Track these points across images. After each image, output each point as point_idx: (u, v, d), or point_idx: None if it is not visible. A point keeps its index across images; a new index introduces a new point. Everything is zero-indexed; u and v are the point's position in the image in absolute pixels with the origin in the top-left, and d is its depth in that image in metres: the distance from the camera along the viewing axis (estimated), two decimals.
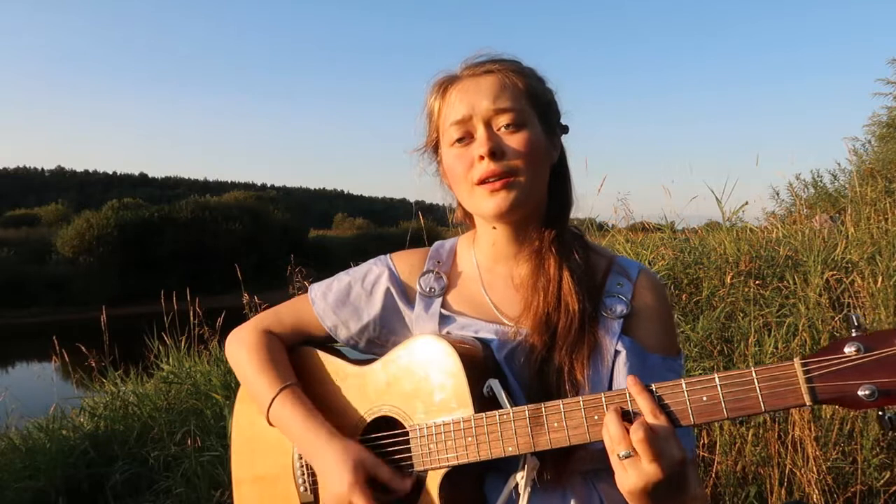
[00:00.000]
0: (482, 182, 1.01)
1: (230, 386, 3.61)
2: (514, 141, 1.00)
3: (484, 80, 1.03)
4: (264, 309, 1.30)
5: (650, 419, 0.81)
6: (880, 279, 3.01)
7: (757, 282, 3.23)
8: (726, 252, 3.62)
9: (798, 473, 2.42)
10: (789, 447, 2.47)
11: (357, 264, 1.24)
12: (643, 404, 0.82)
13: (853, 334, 0.75)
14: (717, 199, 3.96)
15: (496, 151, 1.00)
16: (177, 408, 3.73)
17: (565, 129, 1.12)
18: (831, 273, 3.15)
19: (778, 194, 8.21)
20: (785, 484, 2.43)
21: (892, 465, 2.49)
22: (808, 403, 0.75)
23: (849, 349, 0.74)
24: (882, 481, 2.42)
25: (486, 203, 1.02)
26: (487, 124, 1.01)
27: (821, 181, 7.87)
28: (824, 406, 2.26)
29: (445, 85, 1.07)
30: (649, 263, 3.60)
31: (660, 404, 0.83)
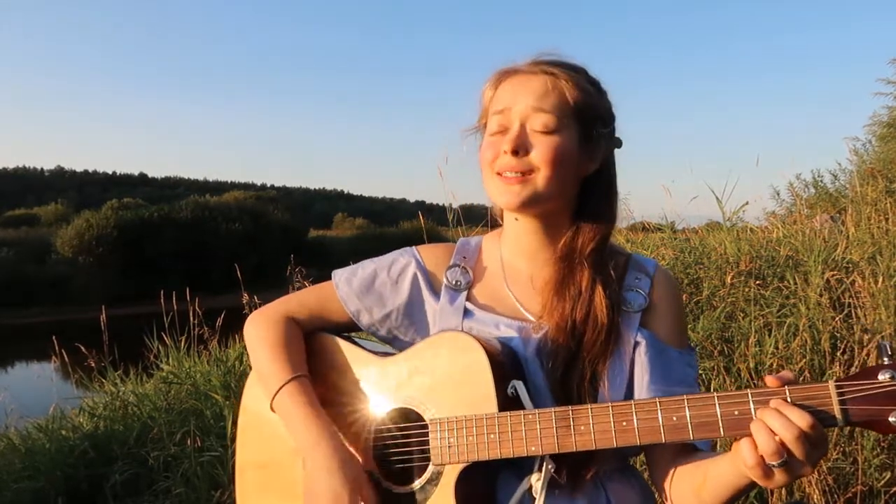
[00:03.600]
0: (501, 174, 1.05)
1: (230, 386, 3.61)
2: (542, 143, 1.02)
3: (535, 79, 1.05)
4: None
5: (803, 426, 0.78)
6: (881, 279, 3.00)
7: (757, 282, 3.23)
8: (726, 252, 3.62)
9: None
10: None
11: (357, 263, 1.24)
12: (793, 411, 0.79)
13: (885, 362, 0.78)
14: (717, 198, 3.96)
15: (519, 150, 1.02)
16: (176, 408, 3.72)
17: (617, 143, 1.13)
18: (832, 273, 3.15)
19: (778, 194, 8.19)
20: None
21: (893, 465, 2.48)
22: (839, 424, 0.78)
23: (882, 376, 0.77)
24: (883, 482, 2.42)
25: (499, 194, 1.06)
26: (522, 122, 1.04)
27: (821, 181, 7.86)
28: None
29: (502, 76, 1.10)
30: None
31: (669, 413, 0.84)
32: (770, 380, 0.82)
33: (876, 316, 2.94)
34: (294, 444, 1.10)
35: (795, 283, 3.14)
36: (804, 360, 2.78)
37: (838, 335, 2.93)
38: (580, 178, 1.08)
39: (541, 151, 1.02)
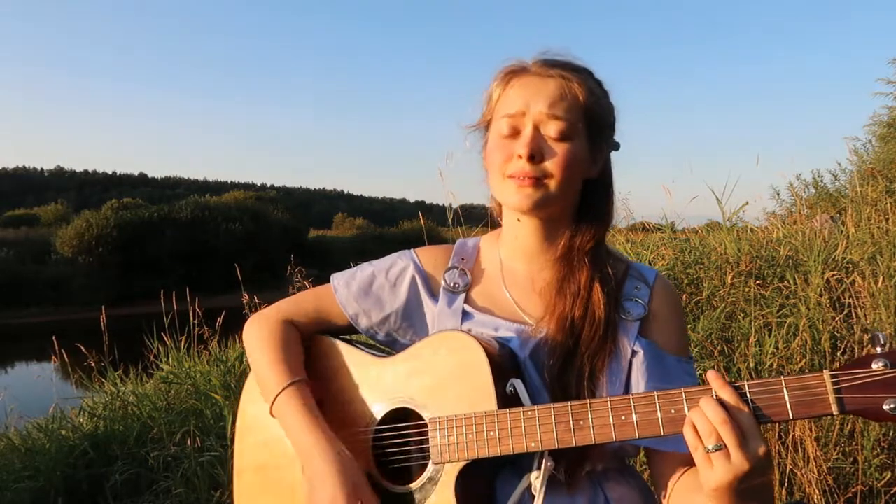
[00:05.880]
0: (513, 176, 1.04)
1: (230, 386, 3.61)
2: (556, 150, 1.03)
3: (548, 82, 1.05)
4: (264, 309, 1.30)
5: (737, 411, 0.82)
6: (881, 279, 3.00)
7: (757, 282, 3.23)
8: (727, 252, 3.62)
9: (798, 473, 2.41)
10: (790, 447, 2.47)
11: (357, 264, 1.24)
12: (728, 396, 0.82)
13: (879, 351, 0.79)
14: (717, 198, 3.96)
15: (535, 155, 1.02)
16: (176, 408, 3.73)
17: (616, 147, 1.14)
18: (832, 273, 3.15)
19: (778, 194, 8.18)
20: (785, 484, 2.43)
21: (893, 465, 2.49)
22: (834, 414, 0.79)
23: (876, 365, 0.78)
24: (883, 481, 2.42)
25: (511, 196, 1.05)
26: (536, 126, 1.04)
27: (821, 181, 7.85)
28: None
29: (511, 75, 1.09)
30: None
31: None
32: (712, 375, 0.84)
33: (876, 316, 2.94)
34: (293, 449, 1.10)
35: (795, 283, 3.14)
36: (804, 360, 2.78)
37: (838, 335, 2.93)
38: (584, 180, 1.09)
39: (556, 159, 1.02)
